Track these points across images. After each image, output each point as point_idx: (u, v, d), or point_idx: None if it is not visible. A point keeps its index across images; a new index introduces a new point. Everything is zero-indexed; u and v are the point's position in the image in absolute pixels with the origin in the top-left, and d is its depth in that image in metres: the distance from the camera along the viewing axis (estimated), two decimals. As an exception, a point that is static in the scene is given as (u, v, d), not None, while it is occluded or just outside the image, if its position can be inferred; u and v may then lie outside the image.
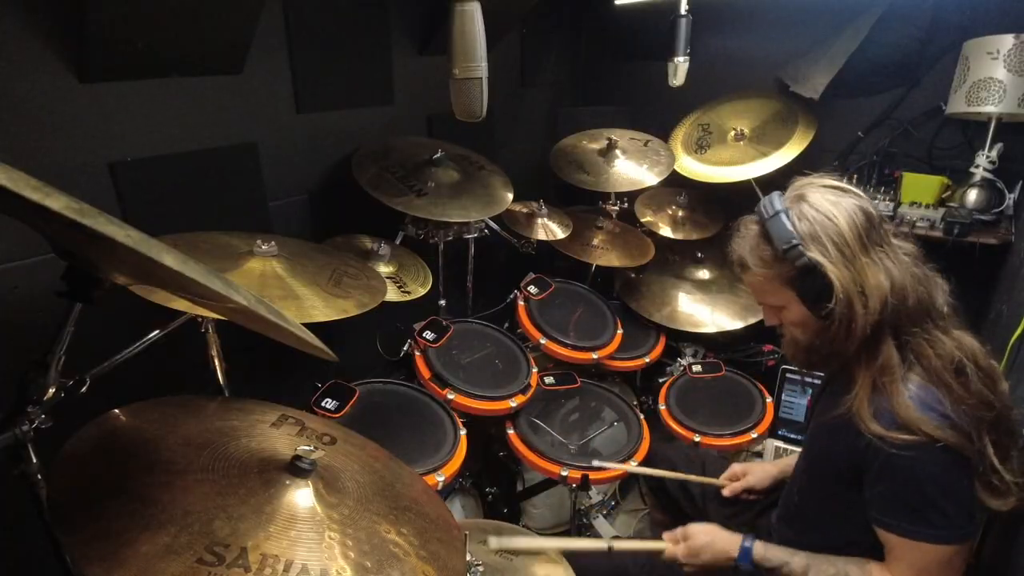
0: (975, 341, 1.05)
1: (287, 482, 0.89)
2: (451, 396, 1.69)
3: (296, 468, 0.90)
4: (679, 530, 1.28)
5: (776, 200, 1.07)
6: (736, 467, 1.56)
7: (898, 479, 0.99)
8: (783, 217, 1.04)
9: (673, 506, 1.68)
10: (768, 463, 1.56)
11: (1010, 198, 1.99)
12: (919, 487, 0.97)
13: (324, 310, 1.23)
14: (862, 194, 1.07)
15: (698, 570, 1.23)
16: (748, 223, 1.12)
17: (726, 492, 1.52)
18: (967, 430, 0.96)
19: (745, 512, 1.51)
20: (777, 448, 2.07)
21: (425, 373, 1.74)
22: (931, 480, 0.96)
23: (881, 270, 1.01)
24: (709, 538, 1.23)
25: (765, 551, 1.16)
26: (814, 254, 1.01)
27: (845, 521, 1.13)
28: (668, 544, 1.27)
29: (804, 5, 2.41)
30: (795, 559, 1.13)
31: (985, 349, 1.06)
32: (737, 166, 2.33)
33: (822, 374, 1.34)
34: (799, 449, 1.95)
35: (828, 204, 1.03)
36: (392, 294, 1.70)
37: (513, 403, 1.75)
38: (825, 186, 1.07)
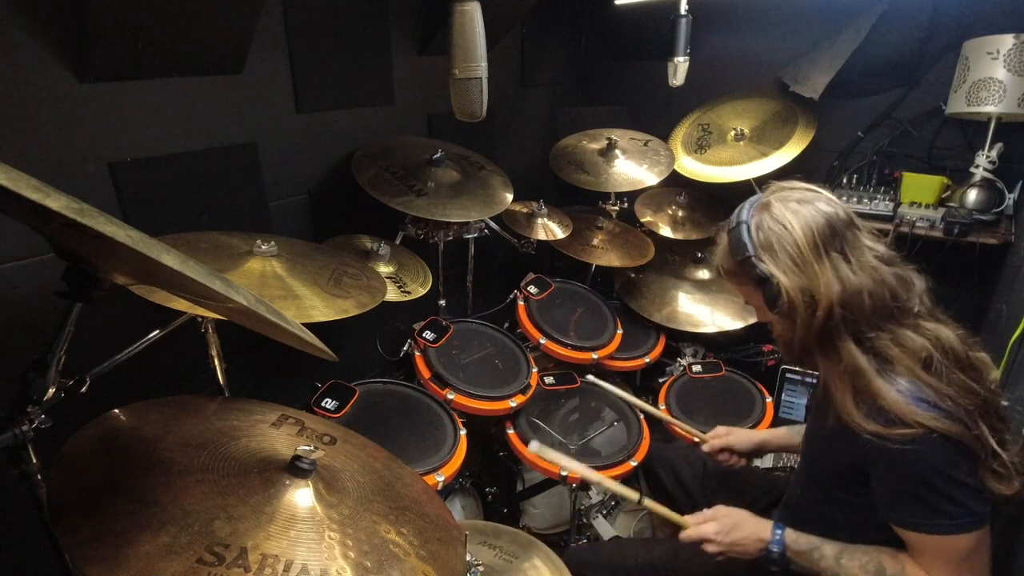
0: (952, 332, 1.07)
1: (287, 482, 0.89)
2: (451, 396, 1.69)
3: (296, 468, 0.91)
4: (706, 511, 1.27)
5: (744, 211, 1.15)
6: (721, 428, 1.60)
7: (905, 476, 1.00)
8: (743, 229, 1.12)
9: (673, 506, 1.68)
10: (754, 431, 1.60)
11: (1010, 198, 1.99)
12: (927, 481, 0.98)
13: (324, 310, 1.23)
14: (833, 199, 1.12)
15: (725, 549, 1.20)
16: (721, 231, 1.21)
17: (705, 448, 1.58)
18: (962, 418, 0.97)
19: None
20: (777, 448, 2.07)
21: (425, 373, 1.74)
22: (937, 472, 0.97)
23: (833, 276, 1.05)
24: (740, 518, 1.23)
25: (797, 536, 1.16)
26: (766, 264, 1.09)
27: (848, 522, 1.13)
28: (691, 522, 1.26)
29: (804, 5, 2.41)
30: (826, 546, 1.13)
31: (969, 339, 1.08)
32: (737, 166, 2.33)
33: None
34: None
35: (788, 214, 1.09)
36: (392, 294, 1.70)
37: (513, 403, 1.75)
38: (793, 193, 1.13)
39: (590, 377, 1.86)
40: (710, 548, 1.21)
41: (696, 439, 1.66)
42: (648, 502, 1.31)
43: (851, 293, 1.05)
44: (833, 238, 1.07)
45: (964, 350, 1.06)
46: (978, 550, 1.00)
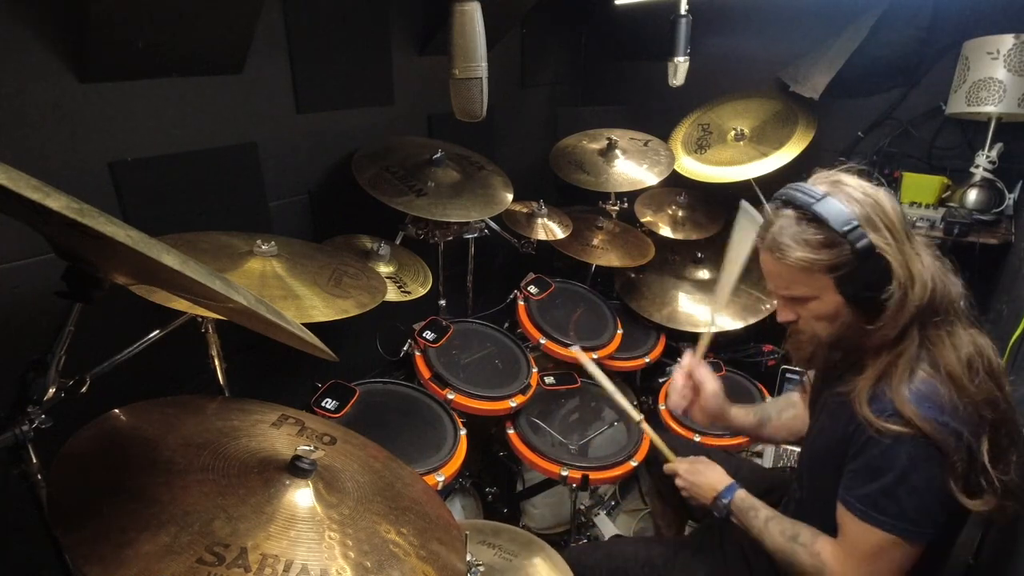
0: (986, 339, 1.04)
1: (287, 482, 0.89)
2: (451, 396, 1.69)
3: (296, 468, 0.90)
4: (692, 457, 1.40)
5: (806, 188, 1.03)
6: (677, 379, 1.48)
7: (868, 461, 1.00)
8: (831, 201, 0.99)
9: (673, 506, 1.69)
10: (725, 403, 1.46)
11: (1010, 198, 1.99)
12: (881, 473, 0.98)
13: (324, 310, 1.23)
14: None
15: (687, 486, 1.35)
16: (777, 210, 1.06)
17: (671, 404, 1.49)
18: (957, 428, 0.95)
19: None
20: (777, 448, 2.07)
21: (425, 373, 1.74)
22: (894, 470, 0.96)
23: (920, 258, 1.01)
24: (710, 468, 1.34)
25: (746, 496, 1.25)
26: (875, 237, 0.97)
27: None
28: (675, 460, 1.42)
29: (804, 5, 2.40)
30: (763, 510, 1.21)
31: (995, 348, 1.06)
32: (737, 166, 2.33)
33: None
34: (799, 449, 1.95)
35: (869, 191, 1.00)
36: (392, 294, 1.70)
37: (513, 403, 1.75)
38: (853, 175, 1.05)
39: (577, 351, 1.81)
40: (678, 483, 1.37)
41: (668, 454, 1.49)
42: (646, 427, 1.48)
43: (934, 278, 1.00)
44: (906, 220, 1.02)
45: (996, 358, 1.03)
46: (892, 558, 0.99)
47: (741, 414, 1.47)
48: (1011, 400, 1.03)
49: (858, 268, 0.98)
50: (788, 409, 1.48)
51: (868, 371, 1.04)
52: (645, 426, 1.48)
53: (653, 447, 1.50)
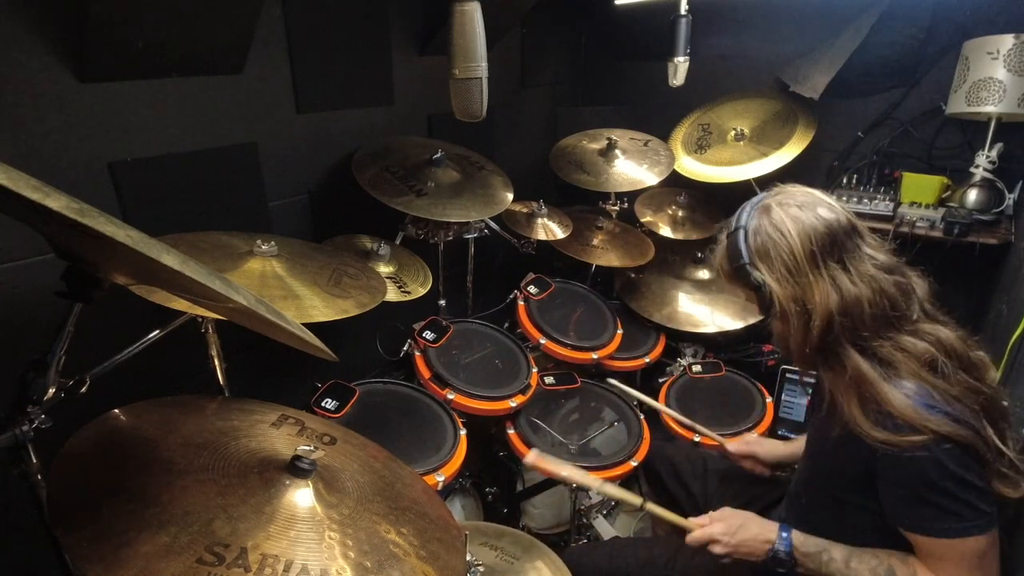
0: (952, 332, 1.07)
1: (287, 482, 0.89)
2: (451, 396, 1.68)
3: (296, 468, 0.90)
4: (712, 513, 1.26)
5: (744, 214, 1.15)
6: (751, 436, 1.63)
7: (917, 481, 0.98)
8: (739, 235, 1.13)
9: (674, 505, 1.68)
10: (780, 442, 1.58)
11: (1010, 198, 1.99)
12: (939, 485, 0.97)
13: (324, 310, 1.23)
14: (835, 205, 1.10)
15: (731, 551, 1.19)
16: (722, 232, 1.20)
17: (730, 447, 1.59)
18: (969, 420, 0.97)
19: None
20: (777, 448, 2.07)
21: (425, 373, 1.74)
22: (949, 476, 0.96)
23: (830, 286, 1.05)
24: (746, 518, 1.22)
25: (804, 538, 1.15)
26: (760, 272, 1.10)
27: (852, 524, 1.13)
28: (696, 524, 1.25)
29: (804, 5, 2.40)
30: (835, 548, 1.12)
31: (968, 339, 1.08)
32: (737, 166, 2.33)
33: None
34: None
35: (788, 220, 1.08)
36: (392, 294, 1.70)
37: (513, 403, 1.75)
38: (795, 197, 1.11)
39: (612, 381, 1.91)
40: (717, 549, 1.20)
41: (716, 442, 1.66)
42: (651, 506, 1.31)
43: (849, 303, 1.04)
44: (832, 247, 1.06)
45: (965, 350, 1.06)
46: (990, 551, 0.99)
47: (783, 447, 1.55)
48: (992, 383, 1.05)
49: (755, 293, 1.12)
50: None
51: (845, 405, 1.05)
52: (651, 506, 1.32)
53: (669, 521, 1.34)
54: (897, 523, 1.04)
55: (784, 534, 1.15)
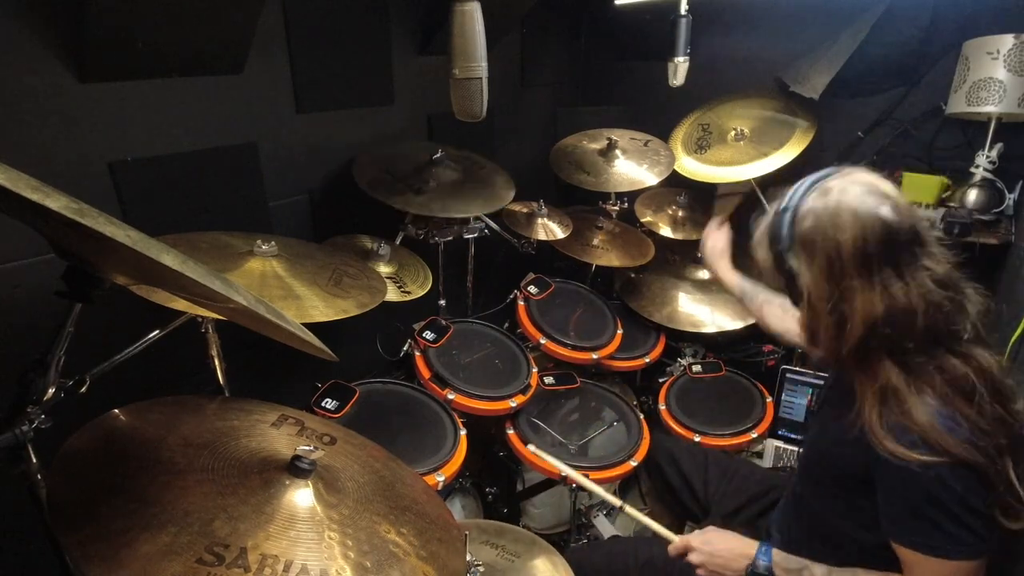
0: (992, 359, 1.01)
1: (287, 482, 0.89)
2: (451, 396, 1.68)
3: (296, 468, 0.90)
4: (696, 532, 1.26)
5: (799, 193, 1.04)
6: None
7: (920, 497, 0.96)
8: (786, 217, 1.03)
9: (675, 502, 1.68)
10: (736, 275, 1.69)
11: (1010, 198, 1.99)
12: (944, 506, 0.94)
13: (324, 310, 1.23)
14: (901, 207, 0.98)
15: (706, 560, 1.20)
16: (775, 206, 1.10)
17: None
18: (989, 451, 0.93)
19: (746, 511, 1.51)
20: (777, 448, 2.07)
21: (425, 373, 1.74)
22: (956, 500, 0.94)
23: (877, 295, 0.96)
24: (726, 534, 1.22)
25: (785, 555, 1.14)
26: (797, 263, 1.03)
27: (848, 521, 1.12)
28: (677, 537, 1.27)
29: (804, 5, 2.40)
30: (816, 567, 1.11)
31: (1004, 366, 1.02)
32: (737, 166, 2.32)
33: (822, 378, 1.33)
34: (799, 449, 1.96)
35: (845, 212, 0.97)
36: (392, 294, 1.70)
37: (513, 403, 1.75)
38: (862, 186, 0.99)
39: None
40: (693, 557, 1.22)
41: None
42: (630, 509, 1.35)
43: (896, 315, 0.96)
44: (887, 252, 0.96)
45: (1001, 377, 1.00)
46: None
47: (729, 274, 1.69)
48: (1019, 418, 0.99)
49: (786, 284, 1.06)
50: (766, 305, 1.58)
51: (863, 406, 1.01)
52: (630, 509, 1.34)
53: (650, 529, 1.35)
54: (890, 534, 1.02)
55: (764, 549, 1.16)
